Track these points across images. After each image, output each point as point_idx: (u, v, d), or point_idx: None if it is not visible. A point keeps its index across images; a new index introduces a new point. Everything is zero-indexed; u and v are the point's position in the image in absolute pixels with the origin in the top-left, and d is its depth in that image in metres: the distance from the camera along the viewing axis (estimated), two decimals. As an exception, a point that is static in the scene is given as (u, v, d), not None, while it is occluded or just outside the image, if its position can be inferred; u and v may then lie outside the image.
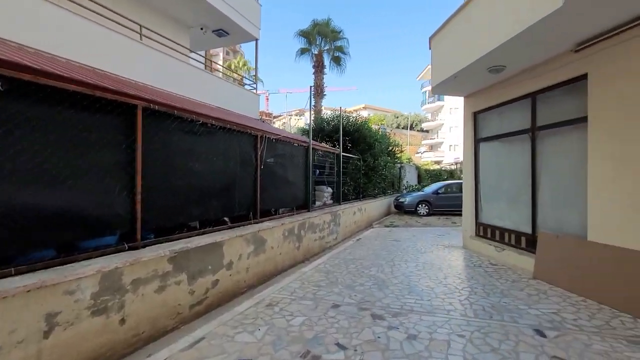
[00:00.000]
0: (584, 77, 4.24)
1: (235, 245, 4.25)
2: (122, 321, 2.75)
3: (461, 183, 10.99)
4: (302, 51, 22.41)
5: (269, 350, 2.72)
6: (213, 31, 10.37)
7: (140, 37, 7.19)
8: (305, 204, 6.91)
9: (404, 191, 16.81)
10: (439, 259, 5.94)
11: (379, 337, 2.94)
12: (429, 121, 52.52)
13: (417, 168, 22.87)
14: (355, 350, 2.72)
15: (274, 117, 45.61)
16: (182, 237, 3.66)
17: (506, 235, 5.83)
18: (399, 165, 17.11)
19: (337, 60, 22.40)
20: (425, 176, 22.13)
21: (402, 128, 53.91)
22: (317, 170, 7.95)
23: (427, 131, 53.77)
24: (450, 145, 44.02)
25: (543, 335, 2.98)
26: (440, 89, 6.78)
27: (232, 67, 29.17)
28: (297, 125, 31.62)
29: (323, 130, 11.82)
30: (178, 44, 8.49)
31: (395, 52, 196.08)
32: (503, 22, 4.17)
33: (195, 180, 3.97)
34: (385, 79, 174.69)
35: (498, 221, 6.13)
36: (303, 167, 6.87)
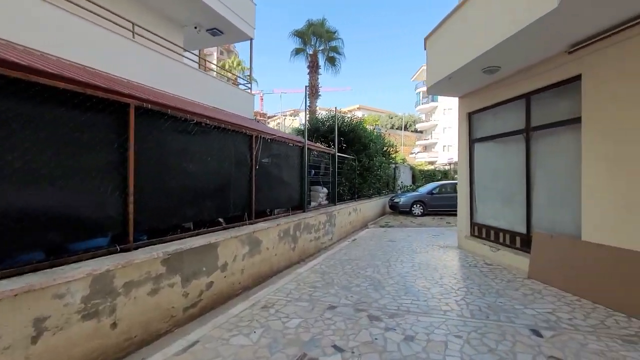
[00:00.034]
0: (578, 78, 4.27)
1: (230, 246, 4.19)
2: (114, 325, 2.68)
3: (455, 183, 11.09)
4: (297, 51, 22.38)
5: (265, 353, 2.68)
6: (207, 30, 10.29)
7: (133, 35, 7.09)
8: (300, 205, 6.87)
9: (399, 191, 16.88)
10: (435, 259, 5.94)
11: (376, 339, 2.91)
12: (423, 122, 52.80)
13: (412, 168, 22.99)
14: (353, 352, 2.69)
15: (269, 118, 45.44)
16: (175, 239, 3.59)
17: (501, 235, 5.86)
18: (393, 165, 17.17)
19: (331, 61, 22.39)
20: (420, 176, 22.31)
21: (397, 128, 54.00)
22: (313, 171, 7.92)
23: (421, 132, 54.04)
24: (444, 146, 44.40)
25: (539, 335, 2.98)
26: (435, 90, 6.79)
27: (226, 66, 29.03)
28: (291, 125, 31.56)
29: (318, 130, 11.78)
30: (172, 43, 8.39)
31: (392, 52, 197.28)
32: (499, 22, 4.18)
33: (189, 180, 3.90)
34: (379, 79, 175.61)
35: (493, 221, 6.15)
36: (298, 167, 6.83)
